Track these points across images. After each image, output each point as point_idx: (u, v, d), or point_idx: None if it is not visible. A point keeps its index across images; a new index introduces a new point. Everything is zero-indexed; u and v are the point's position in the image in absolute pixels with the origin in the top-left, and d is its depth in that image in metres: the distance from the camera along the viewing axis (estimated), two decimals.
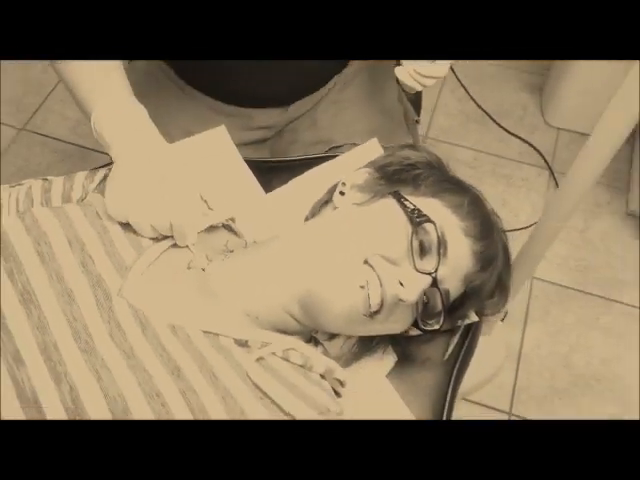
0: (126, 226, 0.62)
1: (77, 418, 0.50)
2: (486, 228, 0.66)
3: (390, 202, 0.65)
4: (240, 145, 0.84)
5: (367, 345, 0.71)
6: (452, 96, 1.83)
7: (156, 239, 0.64)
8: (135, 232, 0.63)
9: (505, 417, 1.35)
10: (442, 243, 0.62)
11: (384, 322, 0.63)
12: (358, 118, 0.95)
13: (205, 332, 0.58)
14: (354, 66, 0.96)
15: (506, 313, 1.43)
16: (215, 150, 0.81)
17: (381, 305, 0.61)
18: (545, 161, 1.72)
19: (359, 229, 0.64)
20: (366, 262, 0.61)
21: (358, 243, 0.62)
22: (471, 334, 0.76)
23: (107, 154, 0.67)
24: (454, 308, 0.67)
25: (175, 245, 0.64)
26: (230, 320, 0.61)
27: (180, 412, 0.51)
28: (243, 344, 0.59)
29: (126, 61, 1.03)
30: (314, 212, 0.72)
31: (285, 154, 0.94)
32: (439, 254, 0.62)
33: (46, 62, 0.71)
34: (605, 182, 1.69)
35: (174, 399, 0.52)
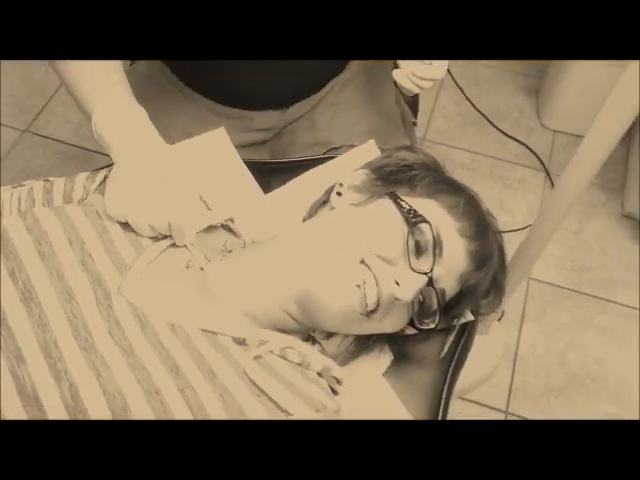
0: (126, 226, 0.63)
1: (77, 415, 0.50)
2: (481, 228, 0.67)
3: (386, 202, 0.65)
4: (239, 147, 0.84)
5: (364, 344, 0.71)
6: (449, 99, 1.83)
7: (155, 238, 0.64)
8: (135, 232, 0.63)
9: (502, 416, 1.35)
10: (438, 243, 0.62)
11: (380, 321, 0.63)
12: (356, 120, 0.95)
13: (203, 330, 0.58)
14: (352, 69, 0.97)
15: (503, 313, 1.43)
16: (215, 151, 0.81)
17: (377, 304, 0.61)
18: (541, 163, 1.72)
19: (356, 229, 0.64)
20: (363, 262, 0.61)
21: (355, 243, 0.62)
22: (467, 333, 0.76)
23: (108, 155, 0.67)
24: (450, 307, 0.68)
25: (174, 245, 0.64)
26: (228, 319, 0.61)
27: (179, 409, 0.51)
28: (241, 342, 0.59)
29: (127, 64, 1.04)
30: (312, 212, 0.72)
31: (284, 155, 0.95)
32: (435, 254, 0.62)
33: (49, 64, 0.71)
34: (600, 183, 1.69)
35: (173, 396, 0.52)
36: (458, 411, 1.31)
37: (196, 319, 0.58)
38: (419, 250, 0.62)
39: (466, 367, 0.78)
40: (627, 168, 1.72)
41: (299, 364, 0.61)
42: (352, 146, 0.86)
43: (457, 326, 0.75)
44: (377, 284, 0.61)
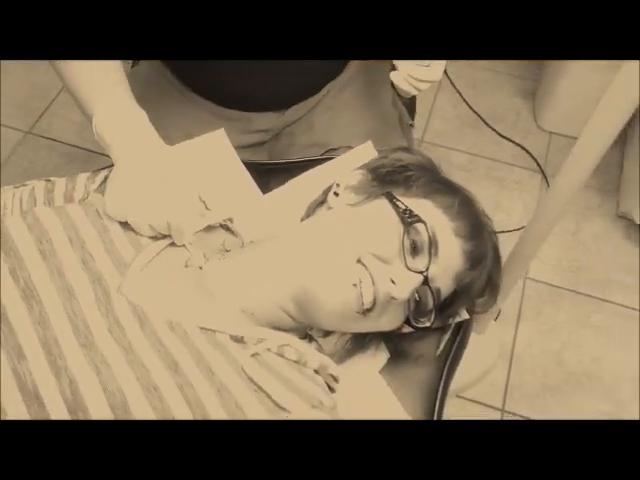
0: (126, 225, 0.63)
1: (77, 411, 0.50)
2: (476, 228, 0.67)
3: (383, 203, 0.65)
4: (239, 148, 0.84)
5: (360, 342, 0.71)
6: (447, 101, 1.83)
7: (155, 238, 0.64)
8: (134, 231, 0.63)
9: (498, 414, 1.35)
10: (433, 243, 0.63)
11: (377, 319, 0.63)
12: (354, 122, 0.95)
13: (202, 328, 0.58)
14: (349, 72, 0.97)
15: (499, 312, 1.43)
16: (214, 152, 0.82)
17: (373, 303, 0.61)
18: (537, 164, 1.73)
19: (352, 229, 0.64)
20: (359, 261, 0.61)
21: (351, 242, 0.63)
22: (462, 331, 0.76)
23: (109, 156, 0.67)
24: (445, 306, 0.68)
25: (173, 244, 0.64)
26: (226, 317, 0.61)
27: (177, 405, 0.52)
28: (239, 340, 0.59)
29: (128, 66, 1.04)
30: (309, 212, 0.72)
31: (283, 157, 0.95)
32: (430, 253, 0.62)
33: (49, 65, 0.71)
34: (596, 185, 1.69)
35: (171, 393, 0.52)
36: (455, 409, 1.32)
37: (195, 317, 0.59)
38: (415, 249, 0.62)
39: (463, 365, 0.78)
40: (622, 170, 1.72)
41: (296, 362, 0.62)
42: (350, 147, 0.86)
43: (452, 324, 0.76)
44: (373, 283, 0.61)
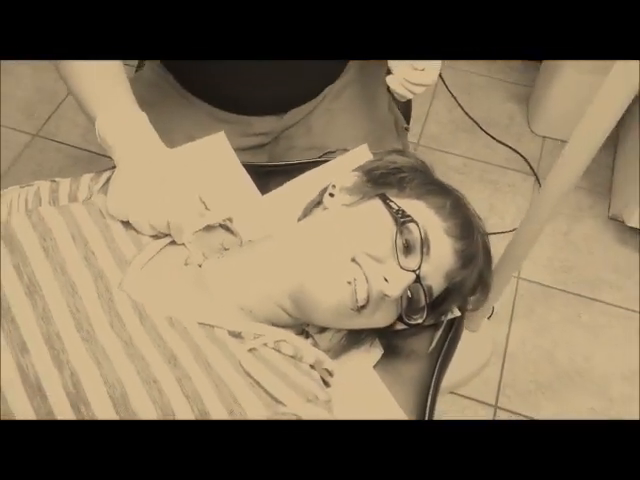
0: (127, 224, 0.63)
1: (78, 403, 0.50)
2: (467, 228, 0.67)
3: (376, 203, 0.65)
4: (239, 150, 0.84)
5: (355, 338, 0.71)
6: (443, 106, 1.84)
7: (156, 237, 0.64)
8: (136, 230, 0.63)
9: (491, 410, 1.36)
10: (425, 242, 0.63)
11: (370, 316, 0.64)
12: (350, 125, 0.95)
13: (201, 324, 0.58)
14: (347, 76, 0.97)
15: (493, 311, 1.44)
16: (215, 155, 0.82)
17: (367, 300, 0.61)
18: (530, 167, 1.73)
19: (347, 228, 0.64)
20: (353, 260, 0.62)
21: (346, 242, 0.63)
22: (454, 328, 0.76)
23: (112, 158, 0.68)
24: (437, 303, 0.68)
25: (173, 242, 0.65)
26: (225, 313, 0.61)
27: (175, 398, 0.52)
28: (237, 335, 0.59)
29: (132, 71, 1.04)
30: (306, 213, 0.72)
31: (281, 159, 0.95)
32: (422, 252, 0.63)
33: (57, 71, 0.71)
34: (588, 187, 1.70)
35: (170, 385, 0.52)
36: (448, 405, 1.33)
37: (194, 313, 0.59)
38: (407, 249, 0.63)
39: (457, 363, 0.78)
40: (613, 173, 1.73)
41: (292, 357, 0.62)
42: (346, 150, 0.86)
43: (445, 322, 0.76)
44: (367, 281, 0.61)
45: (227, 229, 0.72)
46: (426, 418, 0.71)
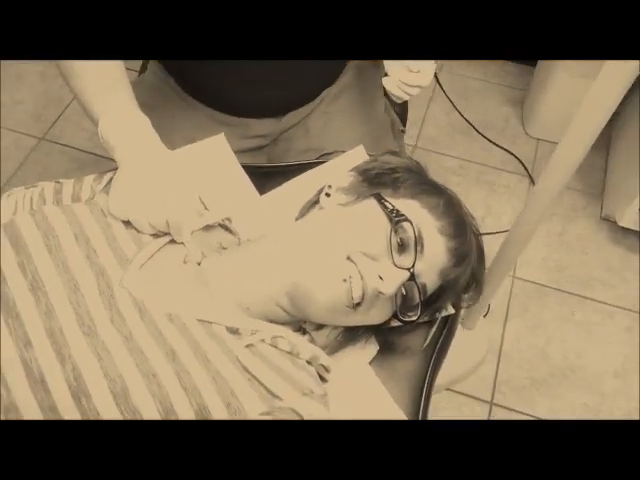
0: (128, 223, 0.63)
1: (80, 396, 0.51)
2: (460, 227, 0.67)
3: (371, 203, 0.65)
4: (238, 152, 0.85)
5: (351, 335, 0.71)
6: (440, 109, 1.84)
7: (156, 235, 0.65)
8: (136, 229, 0.63)
9: (487, 406, 1.36)
10: (419, 240, 0.63)
11: (366, 313, 0.64)
12: (347, 128, 0.96)
13: (199, 320, 0.58)
14: (344, 80, 0.98)
15: (488, 309, 1.44)
16: (214, 156, 0.82)
17: (362, 297, 0.62)
18: (525, 169, 1.73)
19: (343, 228, 0.65)
20: (349, 258, 0.62)
21: (342, 240, 0.63)
22: (448, 325, 0.77)
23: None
24: (431, 301, 0.68)
25: (173, 241, 0.65)
26: (223, 310, 0.62)
27: (174, 392, 0.52)
28: (234, 332, 0.60)
29: (135, 75, 1.05)
30: (303, 212, 0.72)
31: (280, 160, 0.95)
32: (416, 251, 0.63)
33: (62, 77, 0.72)
34: (581, 189, 1.70)
35: (169, 379, 0.53)
36: (445, 402, 1.33)
37: (193, 310, 0.59)
38: (402, 247, 0.63)
39: (453, 360, 0.78)
40: (606, 175, 1.73)
41: (289, 352, 0.62)
42: (343, 152, 0.87)
43: (439, 319, 0.76)
44: (362, 279, 0.61)
45: (226, 228, 0.72)
46: (420, 413, 0.71)
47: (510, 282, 1.52)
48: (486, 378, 1.38)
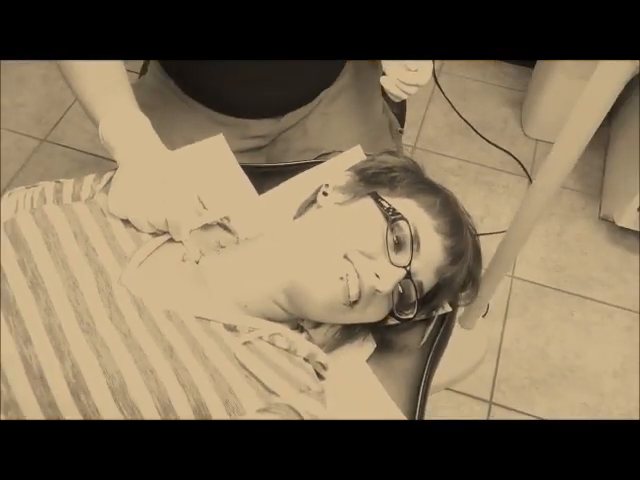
0: (127, 222, 0.64)
1: (78, 392, 0.51)
2: (456, 225, 0.67)
3: (368, 202, 0.66)
4: (237, 152, 0.85)
5: (349, 333, 0.72)
6: (439, 110, 1.84)
7: (155, 234, 0.65)
8: (135, 228, 0.64)
9: (486, 406, 1.36)
10: (415, 239, 0.63)
11: (362, 311, 0.64)
12: (345, 128, 0.96)
13: (197, 318, 0.59)
14: (342, 80, 0.98)
15: (488, 309, 1.44)
16: (214, 156, 0.83)
17: (359, 295, 0.62)
18: (524, 169, 1.74)
19: (340, 226, 0.65)
20: (345, 256, 0.62)
21: (339, 239, 0.63)
22: (445, 323, 0.77)
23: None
24: (428, 299, 0.68)
25: (172, 240, 0.65)
26: (221, 307, 0.62)
27: (172, 388, 0.53)
28: (232, 329, 0.60)
29: (135, 77, 1.06)
30: (301, 211, 0.73)
31: (279, 161, 0.96)
32: (412, 249, 0.63)
33: (63, 78, 0.72)
34: (580, 189, 1.70)
35: (167, 376, 0.53)
36: (444, 402, 1.33)
37: (191, 307, 0.59)
38: (398, 245, 0.63)
39: (453, 360, 0.78)
40: (604, 175, 1.73)
41: (286, 350, 0.62)
42: (341, 152, 0.87)
43: (436, 317, 0.76)
44: (359, 277, 0.61)
45: (225, 227, 0.72)
46: (417, 411, 0.72)
47: (509, 282, 1.52)
48: (485, 377, 1.38)
